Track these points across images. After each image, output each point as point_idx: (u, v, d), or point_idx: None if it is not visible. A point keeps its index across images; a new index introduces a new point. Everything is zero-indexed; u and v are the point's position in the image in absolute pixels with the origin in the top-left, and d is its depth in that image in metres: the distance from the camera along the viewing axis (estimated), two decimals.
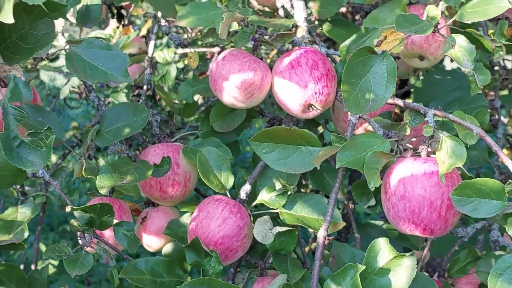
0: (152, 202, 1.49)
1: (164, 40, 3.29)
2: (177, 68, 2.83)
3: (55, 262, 2.72)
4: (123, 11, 2.18)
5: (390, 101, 1.23)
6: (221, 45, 1.75)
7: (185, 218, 1.38)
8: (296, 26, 1.45)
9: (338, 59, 1.36)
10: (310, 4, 1.51)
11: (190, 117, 1.63)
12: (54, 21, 0.81)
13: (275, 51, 2.43)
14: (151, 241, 1.45)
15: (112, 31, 2.51)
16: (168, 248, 1.39)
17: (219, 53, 1.92)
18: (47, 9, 0.80)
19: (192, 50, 1.45)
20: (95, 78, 1.18)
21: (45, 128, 0.86)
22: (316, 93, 1.23)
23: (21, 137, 0.86)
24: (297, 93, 1.24)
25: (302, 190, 1.73)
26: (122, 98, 2.49)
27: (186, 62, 2.92)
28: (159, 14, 1.53)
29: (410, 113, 1.19)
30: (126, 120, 1.28)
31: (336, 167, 1.12)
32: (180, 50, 2.71)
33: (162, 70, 2.72)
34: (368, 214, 3.38)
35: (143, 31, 2.76)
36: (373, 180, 1.08)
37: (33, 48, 0.82)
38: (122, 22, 2.36)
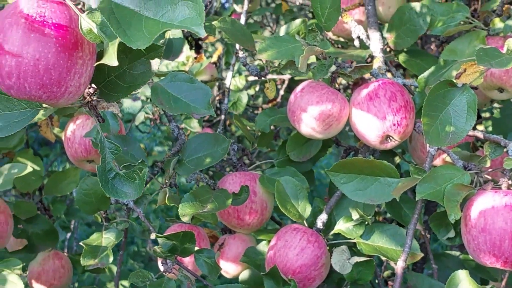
0: (229, 229, 1.53)
1: (236, 67, 3.35)
2: (248, 95, 2.88)
3: (126, 283, 2.79)
4: (200, 42, 2.24)
5: (469, 133, 1.23)
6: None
7: (262, 246, 1.40)
8: (371, 57, 1.47)
9: (413, 86, 1.37)
10: (386, 35, 1.52)
11: (266, 146, 1.66)
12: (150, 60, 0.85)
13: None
14: (228, 267, 1.48)
15: (185, 58, 2.58)
16: (245, 275, 1.42)
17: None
18: (145, 50, 0.85)
19: (269, 79, 1.48)
20: (178, 110, 1.22)
21: (139, 161, 0.90)
22: (394, 125, 1.24)
23: (116, 170, 0.91)
24: (375, 125, 1.25)
25: (375, 218, 1.73)
26: (194, 123, 2.56)
27: (257, 89, 2.97)
28: (237, 46, 1.57)
29: (490, 145, 1.18)
30: (207, 150, 1.32)
31: (416, 199, 1.12)
32: (251, 78, 2.76)
33: (233, 97, 2.78)
34: (443, 244, 3.33)
35: (214, 58, 2.83)
36: (453, 213, 1.08)
37: (131, 86, 0.87)
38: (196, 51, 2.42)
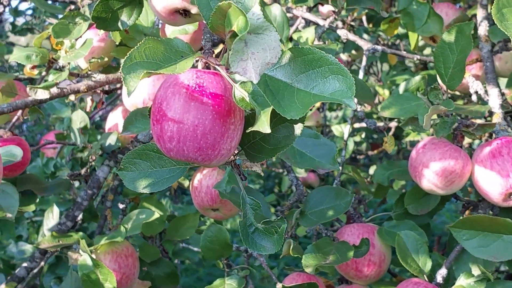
0: (346, 280, 1.56)
1: (340, 113, 3.41)
2: (354, 142, 2.92)
3: None
4: None
5: None
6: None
7: None
8: (490, 113, 1.48)
9: None
10: (505, 90, 1.53)
11: (382, 198, 1.69)
12: (294, 126, 0.92)
13: None
14: None
15: None
16: None
17: None
18: None
19: (387, 134, 1.52)
20: (304, 165, 1.28)
21: (278, 218, 0.96)
22: None
23: (256, 224, 0.97)
24: (498, 182, 1.26)
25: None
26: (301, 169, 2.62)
27: (362, 136, 3.00)
28: (355, 100, 1.62)
29: None
30: (330, 203, 1.36)
31: None
32: (357, 124, 2.80)
33: (339, 143, 2.82)
34: None
35: (317, 104, 2.90)
36: None
37: (274, 149, 0.93)
38: None
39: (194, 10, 1.03)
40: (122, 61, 1.65)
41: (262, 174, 1.00)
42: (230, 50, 0.82)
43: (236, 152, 0.98)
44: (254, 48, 0.77)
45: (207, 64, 0.91)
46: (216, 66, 0.88)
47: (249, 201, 0.98)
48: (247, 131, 0.84)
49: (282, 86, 0.81)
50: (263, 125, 0.80)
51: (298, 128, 0.92)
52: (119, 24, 1.12)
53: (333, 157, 1.25)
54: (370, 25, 2.78)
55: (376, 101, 2.92)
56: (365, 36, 2.76)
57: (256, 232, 0.97)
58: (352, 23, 2.56)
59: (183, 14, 1.05)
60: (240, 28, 0.76)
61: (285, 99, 0.80)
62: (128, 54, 0.79)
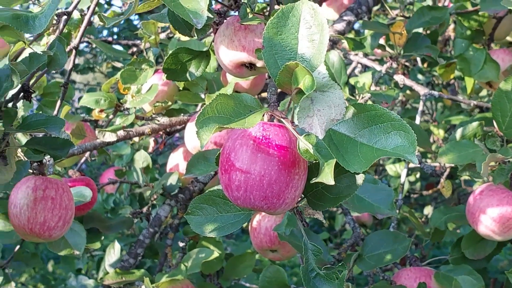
0: None
1: None
2: (409, 182, 2.92)
3: None
4: None
5: None
6: None
7: None
8: None
9: None
10: None
11: (438, 241, 1.70)
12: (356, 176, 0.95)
13: None
14: None
15: None
16: None
17: None
18: None
19: (443, 179, 1.54)
20: (362, 210, 1.31)
21: (340, 264, 1.00)
22: None
23: (317, 270, 1.00)
24: None
25: None
26: None
27: (417, 176, 3.00)
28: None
29: None
30: (387, 247, 1.38)
31: None
32: (412, 165, 2.80)
33: (394, 182, 2.83)
34: None
35: None
36: None
37: (337, 198, 0.97)
38: None
39: (259, 64, 1.08)
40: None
41: (325, 221, 1.04)
42: (295, 105, 0.87)
43: (299, 199, 1.03)
44: (319, 105, 0.82)
45: (272, 116, 0.96)
46: (282, 119, 0.93)
47: (311, 247, 1.02)
48: (311, 181, 0.88)
49: (346, 140, 0.85)
50: (326, 177, 0.84)
51: (360, 178, 0.96)
52: (188, 75, 1.19)
53: (391, 203, 1.28)
54: (425, 65, 2.80)
55: (431, 140, 2.93)
56: (419, 76, 2.78)
57: (318, 277, 1.01)
58: (407, 64, 2.59)
59: (249, 67, 1.11)
60: (307, 86, 0.81)
61: (348, 153, 0.84)
62: (201, 109, 0.84)
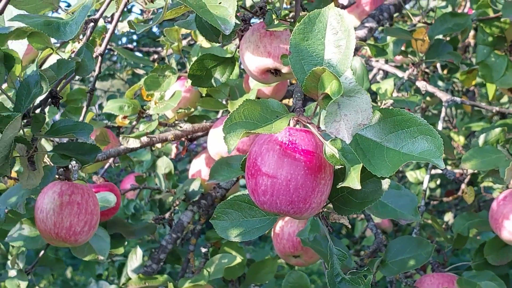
0: None
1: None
2: (429, 188, 2.91)
3: None
4: None
5: None
6: None
7: None
8: None
9: None
10: None
11: (460, 247, 1.69)
12: (382, 181, 0.96)
13: None
14: None
15: None
16: None
17: None
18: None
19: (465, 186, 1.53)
20: (385, 215, 1.32)
21: (365, 268, 1.00)
22: None
23: (342, 275, 1.01)
24: None
25: None
26: None
27: (437, 182, 2.98)
28: None
29: None
30: (411, 253, 1.38)
31: None
32: (432, 171, 2.79)
33: (414, 189, 2.82)
34: None
35: None
36: None
37: (362, 203, 0.97)
38: None
39: (284, 70, 1.09)
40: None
41: (350, 226, 1.04)
42: (321, 110, 0.88)
43: (324, 204, 1.03)
44: (346, 110, 0.83)
45: (298, 122, 0.97)
46: (307, 124, 0.94)
47: (336, 252, 1.02)
48: (337, 186, 0.88)
49: (372, 144, 0.86)
50: (353, 182, 0.85)
51: (385, 183, 0.96)
52: (213, 81, 1.20)
53: (414, 208, 1.28)
54: (445, 72, 2.79)
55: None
56: (440, 83, 2.77)
57: (343, 282, 1.01)
58: (427, 70, 2.59)
59: (274, 73, 1.12)
60: (334, 91, 0.81)
61: (375, 158, 0.84)
62: (229, 115, 0.85)
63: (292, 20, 1.10)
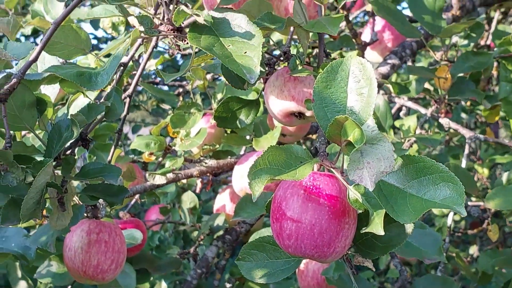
0: None
1: None
2: (454, 221, 2.89)
3: None
4: None
5: None
6: None
7: None
8: None
9: None
10: None
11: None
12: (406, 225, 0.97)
13: None
14: None
15: None
16: None
17: None
18: None
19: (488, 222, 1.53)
20: (409, 254, 1.32)
21: None
22: None
23: None
24: None
25: None
26: None
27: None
28: None
29: None
30: None
31: None
32: None
33: (439, 221, 2.81)
34: None
35: None
36: None
37: (386, 246, 0.98)
38: None
39: (308, 113, 1.11)
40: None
41: (374, 269, 1.05)
42: (345, 156, 0.90)
43: (348, 247, 1.04)
44: (369, 158, 0.84)
45: (322, 166, 0.98)
46: (331, 169, 0.95)
47: None
48: (361, 231, 0.90)
49: (395, 190, 0.87)
50: (376, 227, 0.86)
51: (409, 227, 0.97)
52: (238, 122, 1.22)
53: (439, 248, 1.28)
54: (468, 104, 2.80)
55: (475, 178, 2.90)
56: (463, 115, 2.78)
57: None
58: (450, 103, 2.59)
59: (298, 116, 1.14)
60: (356, 139, 0.83)
61: (398, 204, 0.86)
62: (254, 162, 0.88)
63: (316, 65, 1.12)
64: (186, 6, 0.94)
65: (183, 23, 0.97)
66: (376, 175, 0.84)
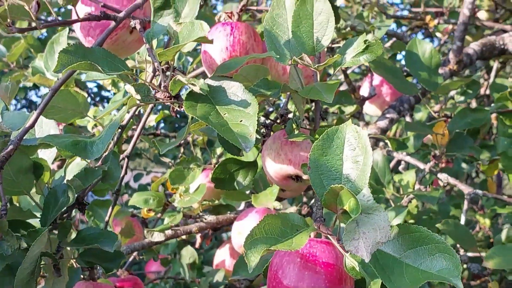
0: None
1: None
2: None
3: None
4: None
5: None
6: None
7: None
8: None
9: None
10: None
11: None
12: None
13: None
14: None
15: None
16: None
17: None
18: None
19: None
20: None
21: None
22: None
23: None
24: None
25: None
26: None
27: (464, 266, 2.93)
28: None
29: None
30: None
31: None
32: None
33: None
34: None
35: None
36: None
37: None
38: None
39: (305, 176, 1.12)
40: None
41: None
42: (341, 224, 0.89)
43: None
44: (365, 228, 0.84)
45: (318, 233, 0.98)
46: (328, 236, 0.95)
47: None
48: None
49: (392, 260, 0.87)
50: None
51: None
52: (235, 184, 1.23)
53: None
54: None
55: (477, 228, 2.89)
56: (463, 165, 2.77)
57: None
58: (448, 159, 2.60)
59: (295, 179, 1.14)
60: (352, 209, 0.83)
61: (394, 274, 0.85)
62: (250, 231, 0.87)
63: (312, 128, 1.13)
64: (183, 73, 0.95)
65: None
66: (372, 245, 0.83)
